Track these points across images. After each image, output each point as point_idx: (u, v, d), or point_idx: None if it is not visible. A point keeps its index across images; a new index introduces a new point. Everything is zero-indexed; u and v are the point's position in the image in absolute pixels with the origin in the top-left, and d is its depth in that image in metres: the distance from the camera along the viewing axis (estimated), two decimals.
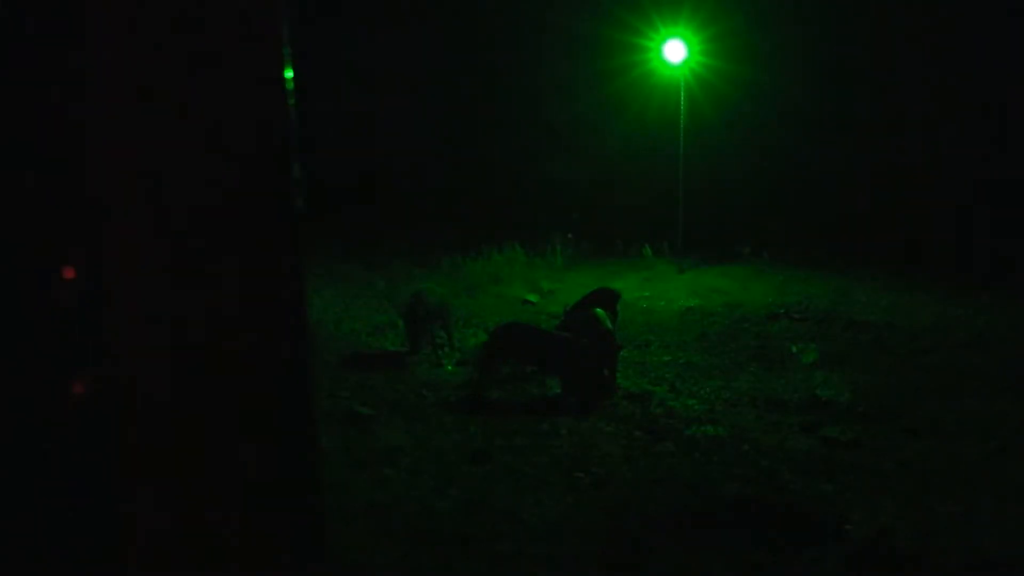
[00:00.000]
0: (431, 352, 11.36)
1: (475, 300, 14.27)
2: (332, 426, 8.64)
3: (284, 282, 2.09)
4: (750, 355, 11.71)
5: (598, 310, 10.89)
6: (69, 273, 1.96)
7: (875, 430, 9.08)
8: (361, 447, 8.37)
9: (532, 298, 14.56)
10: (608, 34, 17.96)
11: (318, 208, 16.49)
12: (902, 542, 6.66)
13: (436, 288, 12.22)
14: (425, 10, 20.57)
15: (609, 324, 10.58)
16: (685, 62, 16.28)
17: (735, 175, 18.37)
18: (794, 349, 11.67)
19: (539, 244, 16.82)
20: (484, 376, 10.07)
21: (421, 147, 20.25)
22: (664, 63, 16.42)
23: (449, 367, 11.05)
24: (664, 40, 16.29)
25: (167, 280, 2.00)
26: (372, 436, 8.68)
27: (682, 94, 16.39)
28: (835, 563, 6.42)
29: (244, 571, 2.11)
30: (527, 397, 10.11)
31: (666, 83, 16.91)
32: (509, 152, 19.83)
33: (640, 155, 18.93)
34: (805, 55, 18.29)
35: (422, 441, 8.65)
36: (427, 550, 6.51)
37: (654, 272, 16.17)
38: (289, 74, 2.04)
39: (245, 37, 2.00)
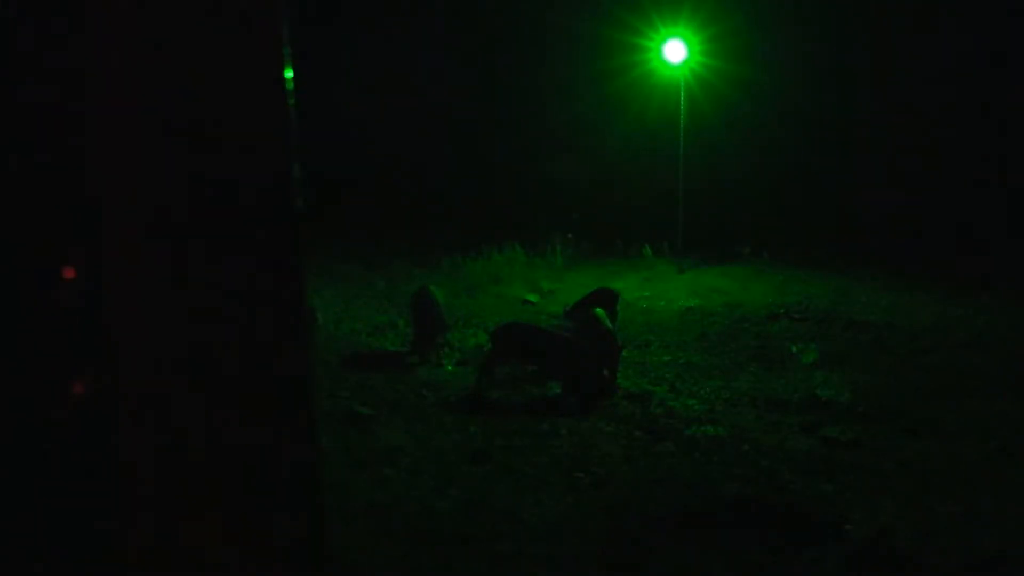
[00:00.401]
0: (432, 352, 11.33)
1: (475, 300, 14.27)
2: (332, 426, 8.64)
3: (284, 282, 2.09)
4: (750, 355, 11.71)
5: (598, 310, 10.89)
6: (69, 273, 1.96)
7: (875, 430, 9.08)
8: (361, 447, 8.37)
9: (532, 298, 14.55)
10: (608, 34, 17.95)
11: (318, 208, 16.49)
12: (902, 542, 6.66)
13: (436, 289, 12.21)
14: (426, 10, 20.56)
15: (609, 324, 10.58)
16: (685, 62, 16.28)
17: (735, 175, 18.36)
18: (794, 349, 11.67)
19: (539, 244, 16.82)
20: (485, 376, 10.08)
21: (421, 147, 20.25)
22: (664, 63, 16.42)
23: (449, 367, 11.04)
24: (664, 40, 16.29)
25: (166, 280, 2.00)
26: (372, 436, 8.68)
27: (682, 94, 16.38)
28: (835, 563, 6.42)
29: (244, 572, 2.11)
30: (527, 397, 10.11)
31: (666, 83, 16.90)
32: (509, 152, 19.82)
33: (640, 155, 18.92)
34: (805, 55, 18.28)
35: (422, 441, 8.65)
36: (427, 550, 6.51)
37: (654, 272, 16.17)
38: (289, 74, 2.04)
39: (245, 37, 2.00)
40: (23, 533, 1.99)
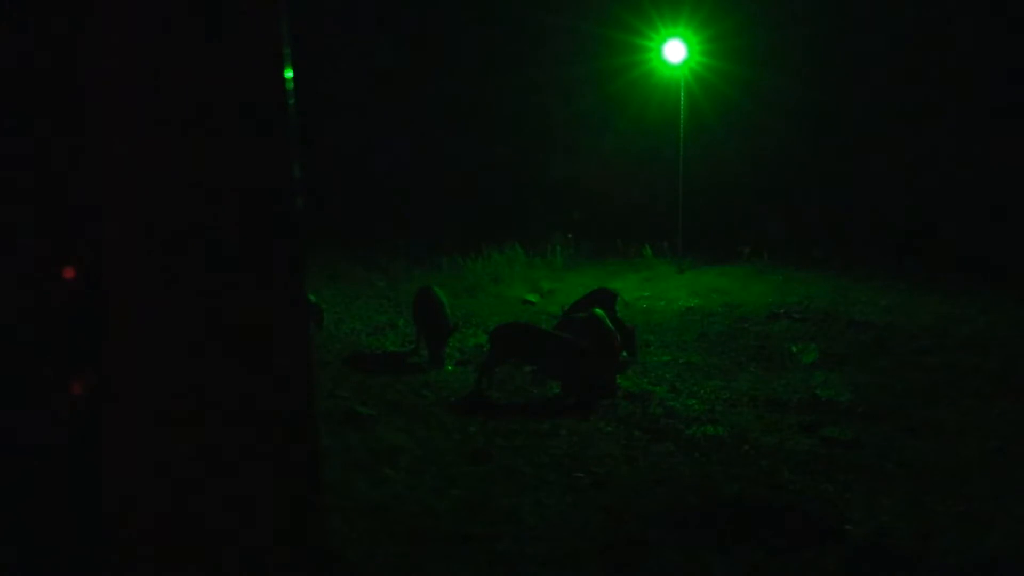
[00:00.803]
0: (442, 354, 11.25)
1: (475, 300, 14.27)
2: (332, 426, 8.64)
3: (284, 282, 2.09)
4: (750, 355, 11.71)
5: (598, 310, 10.89)
6: (69, 273, 1.96)
7: (875, 430, 9.08)
8: (361, 447, 8.37)
9: (532, 298, 14.56)
10: (608, 34, 17.97)
11: (318, 207, 16.51)
12: (902, 542, 6.66)
13: (439, 289, 12.18)
14: (426, 9, 20.57)
15: (610, 324, 10.59)
16: (685, 62, 16.29)
17: (735, 175, 18.37)
18: (794, 349, 11.66)
19: (539, 244, 16.82)
20: (484, 376, 10.09)
21: (421, 147, 20.25)
22: (664, 63, 16.43)
23: (449, 367, 11.04)
24: (664, 40, 16.30)
25: (166, 280, 2.00)
26: (372, 436, 8.67)
27: (682, 94, 16.39)
28: (835, 563, 6.41)
29: (243, 571, 2.11)
30: (527, 397, 10.11)
31: (666, 83, 16.91)
32: (509, 152, 19.83)
33: (640, 155, 18.94)
34: (805, 55, 18.29)
35: (422, 441, 8.64)
36: (427, 550, 6.51)
37: (654, 272, 16.17)
38: (289, 74, 2.04)
39: (245, 37, 2.00)
40: (23, 533, 1.99)
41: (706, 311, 13.72)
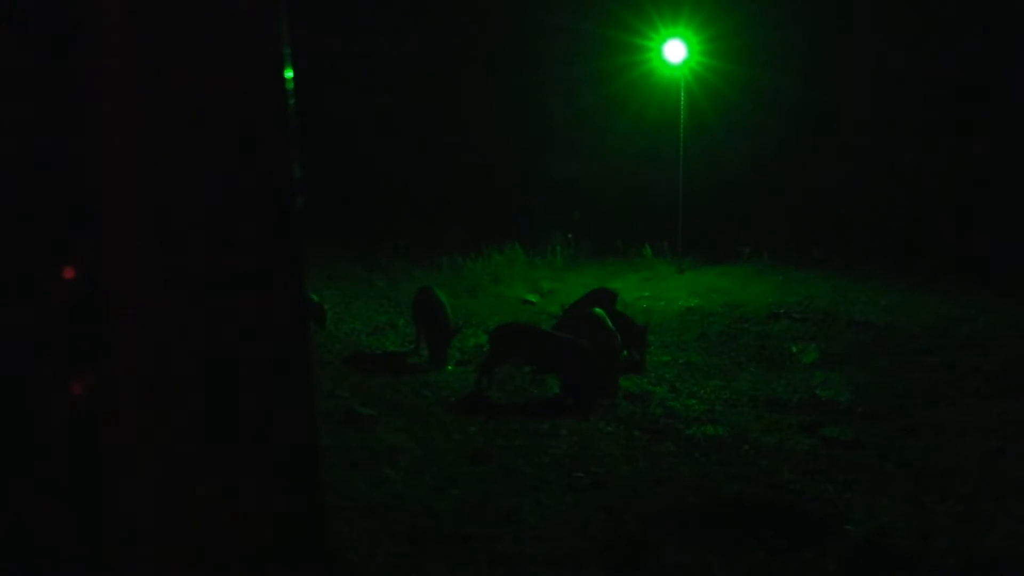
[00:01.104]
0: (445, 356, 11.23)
1: (475, 300, 14.27)
2: (332, 426, 8.63)
3: (283, 281, 2.09)
4: (750, 355, 11.71)
5: (598, 310, 10.89)
6: (69, 273, 1.96)
7: (875, 430, 9.08)
8: (361, 447, 8.37)
9: (532, 298, 14.55)
10: (608, 34, 17.96)
11: (318, 207, 16.51)
12: (902, 542, 6.66)
13: (439, 290, 12.17)
14: (426, 9, 20.56)
15: (611, 324, 10.59)
16: (685, 62, 16.28)
17: (735, 175, 18.36)
18: (794, 349, 11.66)
19: (539, 244, 16.82)
20: (484, 376, 10.09)
21: (421, 147, 20.25)
22: (664, 63, 16.42)
23: (449, 367, 11.03)
24: (664, 40, 16.29)
25: (166, 279, 2.00)
26: (372, 436, 8.68)
27: (682, 94, 16.39)
28: (835, 563, 6.42)
29: (243, 571, 2.11)
30: (527, 397, 10.11)
31: (666, 83, 16.91)
32: (509, 152, 19.82)
33: (640, 155, 18.93)
34: (805, 55, 18.28)
35: (422, 441, 8.64)
36: (427, 550, 6.51)
37: (654, 272, 16.16)
38: (289, 74, 2.04)
39: (245, 37, 2.00)
40: (22, 533, 2.00)
41: (706, 311, 13.71)
